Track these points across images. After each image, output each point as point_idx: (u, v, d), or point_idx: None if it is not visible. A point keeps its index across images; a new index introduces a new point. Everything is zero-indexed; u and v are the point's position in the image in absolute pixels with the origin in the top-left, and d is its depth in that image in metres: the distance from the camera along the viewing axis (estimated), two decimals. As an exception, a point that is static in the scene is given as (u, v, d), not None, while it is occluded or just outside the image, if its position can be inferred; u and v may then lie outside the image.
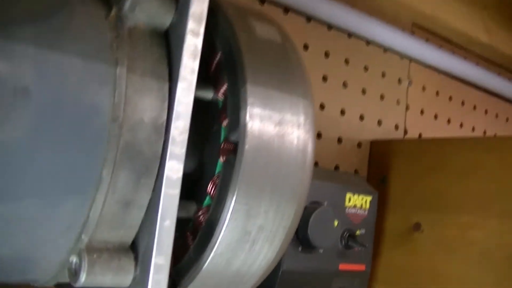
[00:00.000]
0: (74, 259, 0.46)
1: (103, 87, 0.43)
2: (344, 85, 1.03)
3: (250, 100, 0.48)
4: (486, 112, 1.36)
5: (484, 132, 1.36)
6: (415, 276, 0.93)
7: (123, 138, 0.44)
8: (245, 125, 0.48)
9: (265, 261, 0.52)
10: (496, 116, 1.39)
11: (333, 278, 0.83)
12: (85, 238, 0.45)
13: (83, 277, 0.44)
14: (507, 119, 1.43)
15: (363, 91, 1.06)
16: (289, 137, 0.50)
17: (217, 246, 0.48)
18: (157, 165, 0.45)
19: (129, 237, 0.47)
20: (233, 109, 0.49)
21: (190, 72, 0.46)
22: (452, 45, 1.27)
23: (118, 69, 0.44)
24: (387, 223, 0.97)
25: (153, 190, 0.46)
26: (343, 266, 0.84)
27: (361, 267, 0.87)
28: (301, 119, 0.51)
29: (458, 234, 0.89)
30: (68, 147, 0.42)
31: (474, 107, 1.33)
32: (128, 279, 0.46)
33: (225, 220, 0.48)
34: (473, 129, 1.33)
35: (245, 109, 0.48)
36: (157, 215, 0.45)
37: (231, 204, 0.48)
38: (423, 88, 1.19)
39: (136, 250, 0.47)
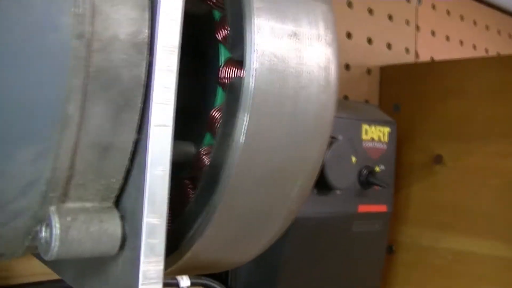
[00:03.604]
0: (42, 225, 0.35)
1: (59, -7, 0.32)
2: (349, 5, 0.91)
3: (256, 4, 0.37)
4: (499, 32, 1.25)
5: (498, 55, 1.25)
6: (439, 213, 0.84)
7: (93, 61, 0.32)
8: (252, 37, 0.37)
9: (293, 206, 0.41)
10: (510, 36, 1.28)
11: (352, 222, 0.73)
12: (53, 198, 0.34)
13: (55, 248, 0.34)
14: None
15: (370, 11, 0.95)
16: (307, 52, 0.39)
17: (226, 193, 0.38)
18: (141, 95, 0.34)
19: (111, 192, 0.37)
20: (234, 18, 0.38)
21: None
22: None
23: (79, -32, 0.32)
24: (405, 155, 0.87)
25: (138, 129, 0.35)
26: (362, 208, 0.74)
27: (382, 207, 0.77)
28: (321, 28, 0.40)
29: (485, 164, 0.81)
30: (18, 75, 0.31)
31: (487, 27, 1.22)
32: (114, 245, 0.36)
33: (234, 161, 0.37)
34: (486, 51, 1.22)
35: (251, 16, 0.37)
36: (145, 161, 0.34)
37: (240, 140, 0.37)
38: (433, 7, 1.08)
39: (122, 208, 0.37)
